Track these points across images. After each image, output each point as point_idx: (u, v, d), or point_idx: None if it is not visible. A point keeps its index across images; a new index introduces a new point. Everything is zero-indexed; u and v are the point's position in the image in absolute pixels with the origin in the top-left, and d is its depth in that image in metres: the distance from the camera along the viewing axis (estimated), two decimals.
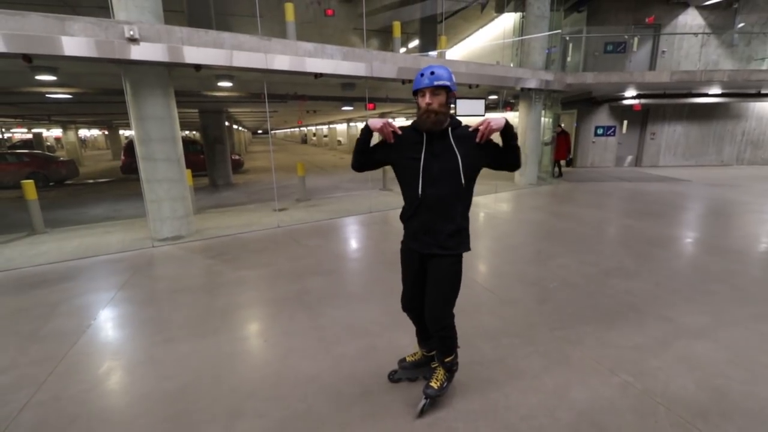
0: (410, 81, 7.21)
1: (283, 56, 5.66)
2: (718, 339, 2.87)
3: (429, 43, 12.46)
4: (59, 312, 3.54)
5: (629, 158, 14.01)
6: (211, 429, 2.11)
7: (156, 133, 5.33)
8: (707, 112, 13.16)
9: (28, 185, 6.26)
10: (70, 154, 20.21)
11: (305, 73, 6.12)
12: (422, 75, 1.86)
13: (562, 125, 11.62)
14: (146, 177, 5.49)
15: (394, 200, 8.37)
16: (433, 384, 2.19)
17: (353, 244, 5.68)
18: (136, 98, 5.17)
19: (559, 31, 9.78)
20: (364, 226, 6.52)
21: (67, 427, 2.15)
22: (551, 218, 6.70)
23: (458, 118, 1.98)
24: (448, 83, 1.83)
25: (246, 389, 2.43)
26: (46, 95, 7.23)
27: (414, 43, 14.03)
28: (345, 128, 29.44)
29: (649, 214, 6.83)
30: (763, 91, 12.13)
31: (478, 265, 4.58)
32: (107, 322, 3.35)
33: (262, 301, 3.75)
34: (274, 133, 61.75)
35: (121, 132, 27.62)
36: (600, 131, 13.50)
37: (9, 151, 15.92)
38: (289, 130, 55.48)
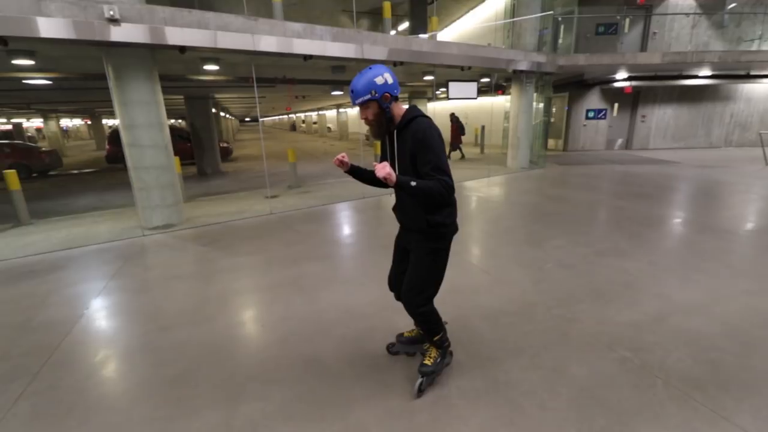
0: (401, 63, 7.10)
1: (271, 37, 5.49)
2: (712, 314, 2.92)
3: (420, 24, 12.24)
4: (50, 302, 3.46)
5: (619, 141, 14.10)
6: (213, 413, 2.09)
7: (141, 118, 5.17)
8: (697, 95, 13.25)
9: (11, 175, 6.07)
10: (52, 145, 19.65)
11: (294, 55, 5.95)
12: (350, 93, 1.86)
13: (454, 113, 12.63)
14: (133, 164, 5.34)
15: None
16: (426, 362, 2.22)
17: (347, 229, 5.64)
18: (119, 83, 5.00)
19: (551, 12, 9.65)
20: (358, 211, 6.47)
21: (65, 415, 2.11)
22: (544, 201, 6.72)
23: (417, 113, 1.88)
24: (367, 97, 1.79)
25: (246, 373, 2.40)
26: (23, 81, 6.93)
27: (404, 25, 13.77)
28: (335, 114, 29.07)
29: (640, 195, 6.89)
30: (753, 73, 12.23)
31: (473, 247, 4.58)
32: (100, 311, 3.29)
33: (258, 287, 3.70)
34: (263, 120, 60.80)
35: (104, 121, 26.89)
36: (591, 114, 13.53)
37: None
38: (277, 117, 54.71)
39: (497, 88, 12.95)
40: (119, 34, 4.47)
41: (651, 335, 2.67)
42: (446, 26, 16.74)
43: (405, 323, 2.81)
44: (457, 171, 9.90)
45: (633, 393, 2.14)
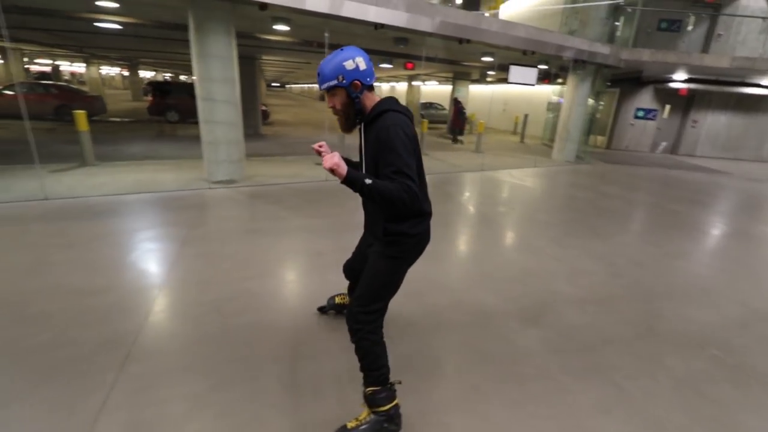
0: (468, 41, 6.95)
1: (352, 3, 5.42)
2: None
3: (471, 2, 11.85)
4: (139, 240, 3.63)
5: (664, 144, 13.68)
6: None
7: (217, 72, 5.23)
8: (754, 104, 12.68)
9: (81, 116, 6.25)
10: (92, 91, 19.94)
11: (367, 23, 5.88)
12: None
13: (458, 98, 12.45)
14: (204, 118, 5.44)
15: (432, 164, 8.35)
16: (349, 425, 1.73)
17: None
18: (200, 35, 5.03)
19: (621, 0, 9.24)
20: None
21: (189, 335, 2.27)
22: (599, 197, 6.65)
23: (390, 106, 1.62)
24: (333, 83, 1.55)
25: None
26: (95, 23, 7.00)
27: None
28: None
29: (695, 202, 6.76)
30: None
31: (536, 232, 4.60)
32: (190, 256, 3.43)
33: (338, 248, 3.77)
34: (290, 87, 60.22)
35: (141, 74, 27.04)
36: (641, 114, 13.09)
37: (36, 81, 15.69)
38: (306, 85, 54.05)
39: (546, 77, 12.60)
40: None
41: (738, 339, 2.71)
42: (492, 8, 16.17)
43: (493, 300, 2.92)
44: (501, 159, 9.82)
45: (733, 389, 2.21)
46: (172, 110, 13.64)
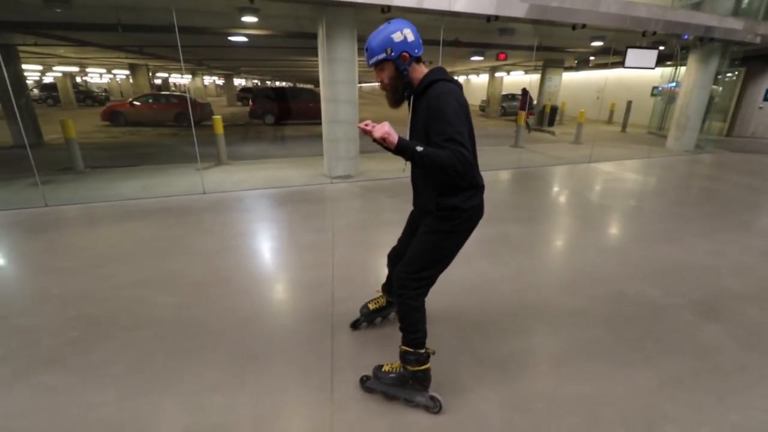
0: (583, 26, 6.62)
1: None
2: None
3: None
4: (295, 230, 4.09)
5: None
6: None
7: (342, 75, 5.63)
8: None
9: (217, 121, 7.10)
10: (201, 99, 22.48)
11: (477, 16, 5.89)
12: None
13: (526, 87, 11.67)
14: (327, 118, 5.89)
15: (532, 156, 8.11)
16: (385, 368, 1.91)
17: (534, 195, 5.65)
18: (329, 41, 5.44)
19: None
20: (521, 181, 6.42)
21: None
22: (736, 189, 5.97)
23: (439, 76, 1.57)
24: (382, 56, 1.55)
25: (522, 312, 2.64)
26: (229, 38, 7.91)
27: None
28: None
29: None
30: None
31: (676, 225, 4.28)
32: (345, 243, 3.77)
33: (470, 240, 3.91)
34: (361, 86, 61.69)
35: (237, 81, 29.69)
36: None
37: (163, 93, 18.10)
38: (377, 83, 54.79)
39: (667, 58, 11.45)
40: None
41: None
42: None
43: (656, 293, 2.82)
44: (607, 149, 9.20)
45: None
46: (269, 114, 15.07)
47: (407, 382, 1.84)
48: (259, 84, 36.44)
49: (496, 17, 5.91)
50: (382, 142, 1.43)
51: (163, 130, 13.53)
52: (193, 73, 22.98)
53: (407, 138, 1.61)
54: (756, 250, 3.71)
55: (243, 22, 6.46)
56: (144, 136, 12.36)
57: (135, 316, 2.54)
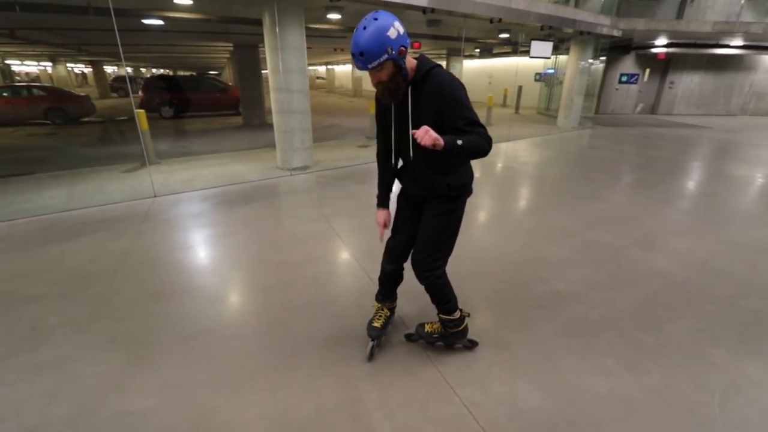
0: (500, 20, 7.45)
1: None
2: None
3: None
4: (291, 221, 4.04)
5: (641, 106, 14.91)
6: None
7: (294, 63, 5.52)
8: (723, 63, 14.05)
9: (141, 115, 6.30)
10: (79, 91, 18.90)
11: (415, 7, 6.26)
12: (353, 55, 1.48)
13: None
14: (280, 108, 5.73)
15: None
16: (427, 328, 2.16)
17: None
18: (282, 28, 5.26)
19: None
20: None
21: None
22: (624, 156, 7.51)
23: (431, 63, 1.64)
24: (384, 58, 1.47)
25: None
26: (142, 20, 6.92)
27: None
28: (347, 70, 28.59)
29: (707, 155, 7.77)
30: None
31: (618, 187, 5.33)
32: (349, 228, 3.87)
33: None
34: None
35: (108, 70, 25.59)
36: (624, 78, 14.19)
37: (22, 84, 14.83)
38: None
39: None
40: None
41: None
42: None
43: (611, 238, 3.60)
44: (515, 129, 10.53)
45: None
46: (165, 105, 13.32)
47: (449, 338, 2.13)
48: (131, 72, 31.78)
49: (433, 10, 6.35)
50: (432, 148, 1.47)
51: (34, 130, 11.22)
52: (53, 60, 19.23)
53: (411, 126, 1.66)
54: (657, 199, 4.87)
55: (176, 5, 5.79)
56: (9, 138, 10.13)
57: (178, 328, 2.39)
